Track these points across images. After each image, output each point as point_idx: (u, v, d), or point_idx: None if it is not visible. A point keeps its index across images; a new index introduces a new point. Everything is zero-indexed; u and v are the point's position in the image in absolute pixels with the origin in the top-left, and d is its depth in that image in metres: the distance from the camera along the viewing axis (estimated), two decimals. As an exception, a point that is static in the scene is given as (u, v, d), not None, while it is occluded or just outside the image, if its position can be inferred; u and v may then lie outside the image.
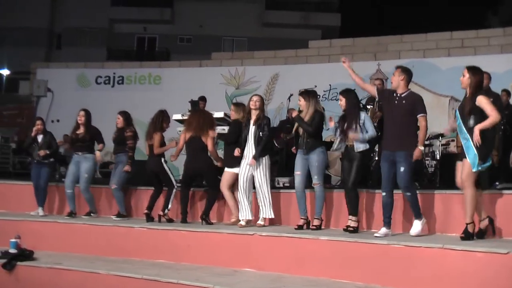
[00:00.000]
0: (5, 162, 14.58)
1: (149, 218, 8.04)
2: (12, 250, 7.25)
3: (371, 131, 6.72)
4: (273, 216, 7.28)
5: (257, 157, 7.17)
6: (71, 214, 8.56)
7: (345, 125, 6.73)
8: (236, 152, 7.30)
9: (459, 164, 5.78)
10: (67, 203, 8.75)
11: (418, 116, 6.11)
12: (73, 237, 7.91)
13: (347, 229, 6.58)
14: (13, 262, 7.12)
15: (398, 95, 6.17)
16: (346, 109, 6.81)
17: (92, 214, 8.65)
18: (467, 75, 5.74)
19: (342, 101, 6.82)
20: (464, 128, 5.66)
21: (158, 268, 6.67)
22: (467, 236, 5.62)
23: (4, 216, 8.68)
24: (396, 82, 6.18)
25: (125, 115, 8.65)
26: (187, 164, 7.96)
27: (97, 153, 8.75)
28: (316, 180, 6.87)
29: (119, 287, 6.42)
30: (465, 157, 5.62)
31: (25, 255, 7.26)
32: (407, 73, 6.22)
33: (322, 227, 6.95)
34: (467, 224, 5.66)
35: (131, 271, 6.48)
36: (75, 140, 8.66)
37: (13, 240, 7.33)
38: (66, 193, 8.68)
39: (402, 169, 6.02)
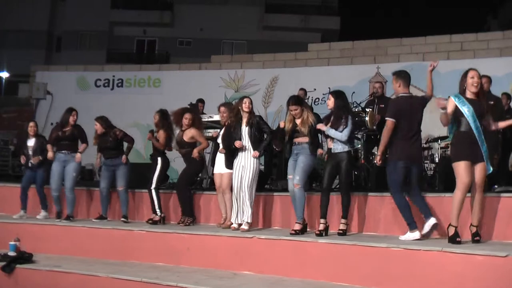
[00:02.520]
0: (4, 165, 14.56)
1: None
2: (11, 253, 7.25)
3: (344, 135, 6.51)
4: (250, 221, 7.08)
5: (260, 151, 7.13)
6: (60, 215, 8.57)
7: (329, 125, 6.67)
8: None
9: (467, 164, 5.66)
10: (54, 204, 8.72)
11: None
12: (72, 239, 7.90)
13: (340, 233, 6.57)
14: (12, 265, 7.11)
15: None
16: (333, 109, 6.74)
17: (71, 218, 8.51)
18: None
19: (330, 101, 6.73)
20: (482, 132, 5.67)
21: (158, 271, 6.67)
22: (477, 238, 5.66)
23: (3, 219, 8.68)
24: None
25: (102, 120, 8.52)
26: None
27: (78, 155, 8.56)
28: (297, 181, 6.64)
29: (118, 290, 6.40)
30: (481, 160, 5.63)
31: (24, 257, 7.25)
32: None
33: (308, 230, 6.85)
34: (475, 226, 5.70)
35: (131, 274, 6.48)
36: (61, 138, 8.55)
37: (12, 242, 7.32)
38: (52, 196, 8.64)
39: None
